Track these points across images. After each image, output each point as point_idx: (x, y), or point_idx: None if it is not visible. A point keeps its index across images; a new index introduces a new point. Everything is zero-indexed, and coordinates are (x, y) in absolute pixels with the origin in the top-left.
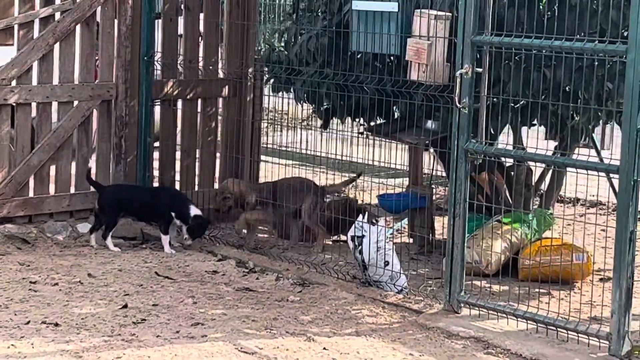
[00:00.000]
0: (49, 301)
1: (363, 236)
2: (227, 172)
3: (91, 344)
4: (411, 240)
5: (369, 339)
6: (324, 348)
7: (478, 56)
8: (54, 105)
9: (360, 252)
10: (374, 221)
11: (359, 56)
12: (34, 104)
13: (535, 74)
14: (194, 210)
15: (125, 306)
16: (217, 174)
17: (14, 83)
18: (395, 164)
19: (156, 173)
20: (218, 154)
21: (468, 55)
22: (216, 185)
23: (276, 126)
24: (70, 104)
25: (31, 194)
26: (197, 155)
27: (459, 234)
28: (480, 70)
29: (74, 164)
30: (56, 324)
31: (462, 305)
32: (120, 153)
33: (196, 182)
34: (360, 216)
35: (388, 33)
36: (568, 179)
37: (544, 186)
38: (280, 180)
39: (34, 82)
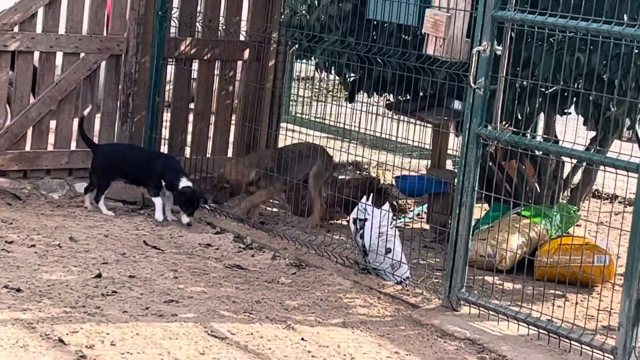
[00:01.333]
0: (19, 264)
1: (365, 219)
2: (242, 140)
3: (49, 314)
4: (428, 227)
5: (355, 332)
6: (302, 339)
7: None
8: (59, 56)
9: (362, 237)
10: (394, 203)
11: (384, 26)
12: (36, 53)
13: (567, 58)
14: (184, 182)
15: (99, 275)
16: (231, 141)
17: (16, 29)
18: (418, 142)
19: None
20: (234, 120)
21: (488, 31)
22: (229, 154)
23: (300, 97)
24: (76, 55)
25: (28, 148)
26: (212, 121)
27: (464, 224)
28: (500, 49)
29: (76, 120)
30: (18, 290)
31: (461, 302)
32: (127, 112)
33: (209, 148)
34: (364, 197)
35: (406, 2)
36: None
37: (576, 179)
38: (285, 147)
39: (38, 29)
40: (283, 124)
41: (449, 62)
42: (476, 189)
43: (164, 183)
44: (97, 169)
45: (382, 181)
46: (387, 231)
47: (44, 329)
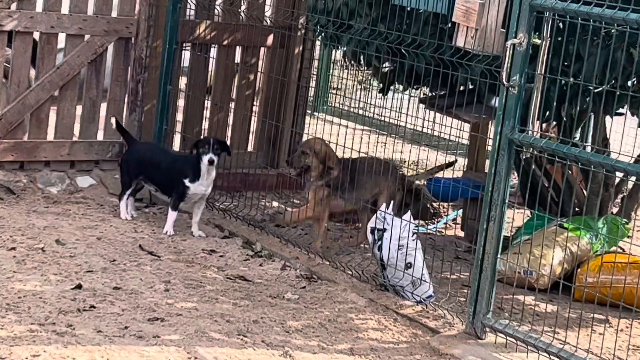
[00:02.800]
0: None
1: (384, 230)
2: (264, 134)
3: (11, 332)
4: (463, 235)
5: None
6: None
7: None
8: (61, 38)
9: (380, 249)
10: (431, 206)
11: (418, 12)
12: (36, 34)
13: (618, 53)
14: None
15: (79, 287)
16: (251, 136)
17: (13, 7)
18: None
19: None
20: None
21: (524, 21)
22: (249, 148)
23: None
24: (80, 37)
25: (25, 138)
26: (230, 112)
27: (492, 242)
28: (538, 41)
29: (79, 107)
30: None
31: (486, 329)
32: (135, 100)
33: (227, 143)
34: (384, 205)
35: None
36: None
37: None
38: (359, 158)
39: (39, 7)
40: (320, 115)
41: (481, 55)
42: (507, 200)
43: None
44: (121, 164)
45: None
46: (407, 243)
47: (1, 351)
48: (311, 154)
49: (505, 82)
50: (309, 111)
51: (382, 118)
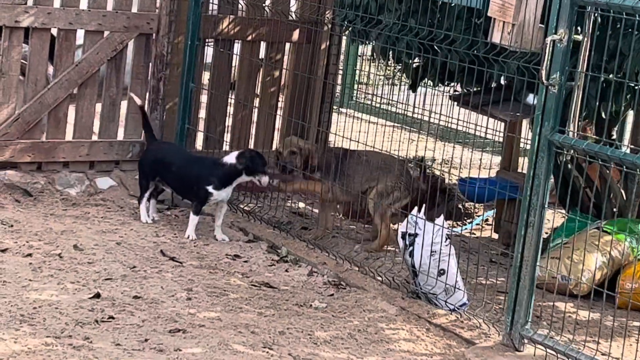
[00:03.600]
0: (7, 278)
1: (416, 235)
2: (290, 132)
3: (25, 346)
4: (497, 237)
5: None
6: None
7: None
8: (80, 34)
9: (411, 255)
10: (460, 207)
11: (450, 6)
12: (54, 31)
13: None
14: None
15: (97, 296)
16: (276, 135)
17: (30, 2)
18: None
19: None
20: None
21: (565, 17)
22: (275, 146)
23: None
24: (100, 34)
25: (43, 138)
26: (255, 110)
27: (530, 249)
28: (579, 37)
29: (99, 106)
30: None
31: (525, 341)
32: (157, 98)
33: (251, 142)
34: (415, 208)
35: None
36: None
37: None
38: (358, 151)
39: (56, 3)
40: (344, 110)
41: (518, 52)
42: (547, 205)
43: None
44: (139, 165)
45: (447, 180)
46: (440, 249)
47: None
48: (299, 152)
49: (544, 81)
50: (335, 107)
51: (411, 114)
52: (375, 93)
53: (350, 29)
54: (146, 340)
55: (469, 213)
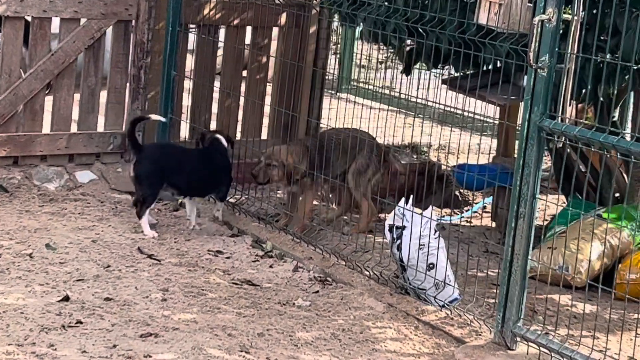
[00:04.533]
0: None
1: (404, 227)
2: (279, 121)
3: None
4: (494, 225)
5: None
6: None
7: None
8: (55, 22)
9: (399, 248)
10: (457, 194)
11: None
12: (28, 17)
13: None
14: None
15: (66, 298)
16: (265, 122)
17: None
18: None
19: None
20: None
21: None
22: (263, 136)
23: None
24: (76, 21)
25: (19, 131)
26: (241, 98)
27: (522, 242)
28: (569, 17)
29: (77, 97)
30: None
31: (517, 339)
32: (138, 87)
33: (238, 131)
34: (403, 200)
35: None
36: None
37: None
38: (327, 132)
39: None
40: (343, 96)
41: (506, 34)
42: (537, 195)
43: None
44: (140, 175)
45: (443, 167)
46: (429, 242)
47: None
48: (279, 166)
49: (533, 64)
50: (332, 92)
51: (408, 98)
52: (371, 77)
53: (337, 12)
54: (115, 346)
55: (467, 200)
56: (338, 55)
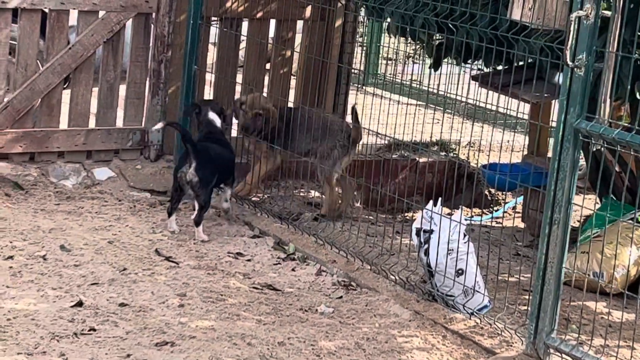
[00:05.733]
0: None
1: (431, 231)
2: None
3: None
4: (524, 226)
5: None
6: None
7: None
8: (73, 15)
9: (426, 253)
10: (486, 193)
11: None
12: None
13: None
14: None
15: (80, 304)
16: None
17: None
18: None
19: None
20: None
21: None
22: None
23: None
24: (94, 14)
25: (35, 127)
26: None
27: (556, 249)
28: (608, 13)
29: (95, 91)
30: None
31: (550, 351)
32: (158, 82)
33: None
34: (431, 202)
35: None
36: None
37: None
38: (301, 107)
39: None
40: (370, 90)
41: (540, 30)
42: (573, 200)
43: None
44: (205, 180)
45: (473, 164)
46: (458, 247)
47: None
48: (264, 114)
49: (569, 62)
50: (358, 86)
51: (437, 93)
52: (399, 72)
53: (364, 6)
54: (128, 355)
55: (496, 200)
56: (364, 49)
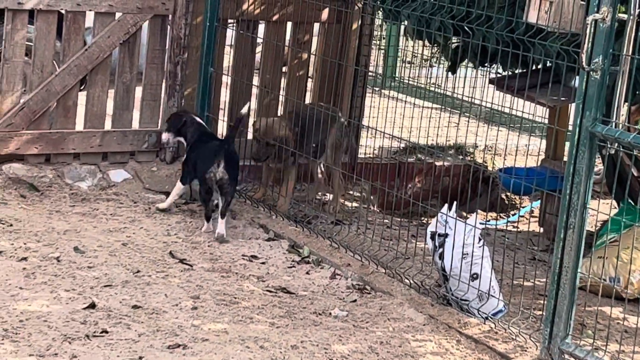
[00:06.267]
0: None
1: (446, 235)
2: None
3: None
4: (541, 231)
5: None
6: None
7: None
8: (89, 17)
9: (441, 257)
10: (504, 197)
11: None
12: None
13: None
14: None
15: (92, 306)
16: None
17: None
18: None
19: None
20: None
21: None
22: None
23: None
24: (111, 15)
25: (51, 128)
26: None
27: (571, 254)
28: (624, 16)
29: (111, 93)
30: None
31: (565, 356)
32: (174, 84)
33: None
34: (446, 206)
35: None
36: None
37: None
38: (304, 105)
39: None
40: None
41: (556, 33)
42: (588, 205)
43: None
44: (233, 177)
45: (490, 168)
46: (473, 251)
47: None
48: (277, 142)
49: (585, 66)
50: (376, 88)
51: (454, 96)
52: (417, 75)
53: (380, 9)
54: (140, 358)
55: (513, 203)
56: (382, 51)
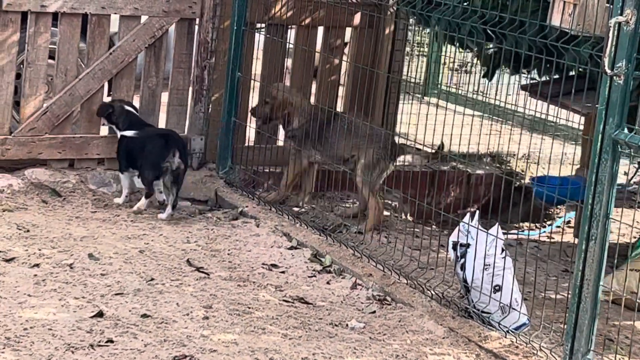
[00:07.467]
0: (3, 293)
1: (468, 245)
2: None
3: None
4: (576, 242)
5: None
6: None
7: None
8: (114, 20)
9: (463, 268)
10: (540, 206)
11: None
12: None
13: None
14: None
15: (100, 314)
16: None
17: None
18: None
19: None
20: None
21: None
22: None
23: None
24: (136, 19)
25: (75, 133)
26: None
27: (593, 266)
28: None
29: (136, 98)
30: None
31: None
32: (201, 89)
33: None
34: (468, 215)
35: None
36: None
37: None
38: (341, 114)
39: None
40: (429, 99)
41: (580, 36)
42: (611, 215)
43: None
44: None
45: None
46: (495, 262)
47: None
48: (270, 101)
49: (608, 70)
50: (418, 95)
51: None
52: (459, 82)
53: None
54: None
55: (549, 214)
56: (425, 58)
